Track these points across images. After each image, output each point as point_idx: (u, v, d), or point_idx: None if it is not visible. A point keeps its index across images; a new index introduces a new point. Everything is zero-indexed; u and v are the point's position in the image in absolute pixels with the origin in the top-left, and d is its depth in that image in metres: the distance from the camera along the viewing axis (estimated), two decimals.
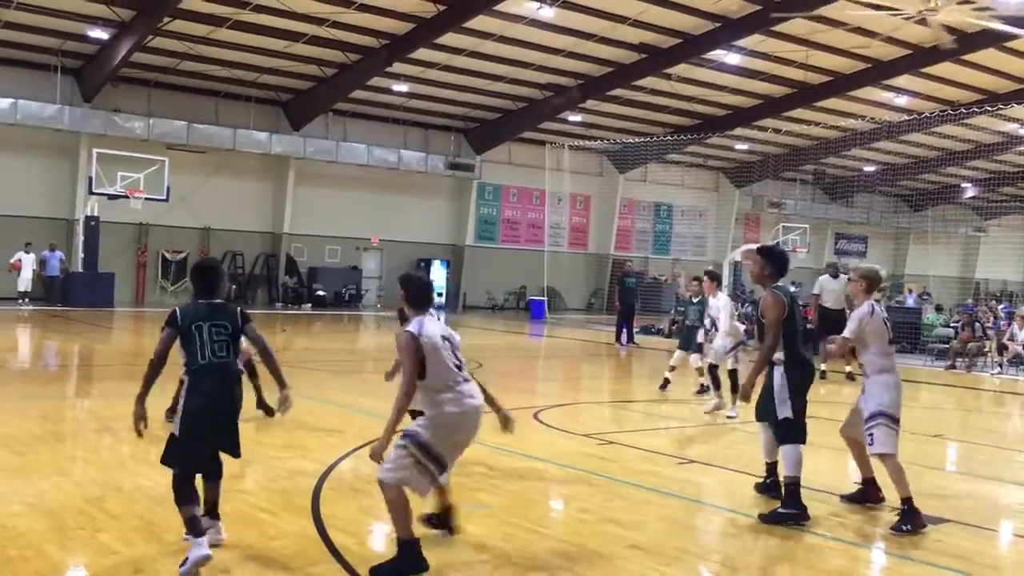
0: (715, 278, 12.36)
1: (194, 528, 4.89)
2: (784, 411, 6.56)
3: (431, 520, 5.76)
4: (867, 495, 7.06)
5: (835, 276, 16.55)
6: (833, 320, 14.52)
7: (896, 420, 6.59)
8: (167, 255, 29.00)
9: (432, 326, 5.28)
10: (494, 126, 33.00)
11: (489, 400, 5.44)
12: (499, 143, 33.85)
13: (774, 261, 6.92)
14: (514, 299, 35.78)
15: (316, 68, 27.05)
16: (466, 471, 7.69)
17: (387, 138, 31.95)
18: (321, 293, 30.70)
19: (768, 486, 7.13)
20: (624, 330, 21.94)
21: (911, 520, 6.32)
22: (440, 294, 33.89)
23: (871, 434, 6.57)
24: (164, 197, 25.26)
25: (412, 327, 5.21)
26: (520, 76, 28.06)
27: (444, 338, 5.32)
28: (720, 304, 11.75)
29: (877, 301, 6.93)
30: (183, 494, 5.00)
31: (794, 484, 6.46)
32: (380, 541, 5.87)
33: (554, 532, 6.12)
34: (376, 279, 33.27)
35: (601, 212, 38.25)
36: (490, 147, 33.84)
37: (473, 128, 33.52)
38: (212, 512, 5.33)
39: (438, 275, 33.99)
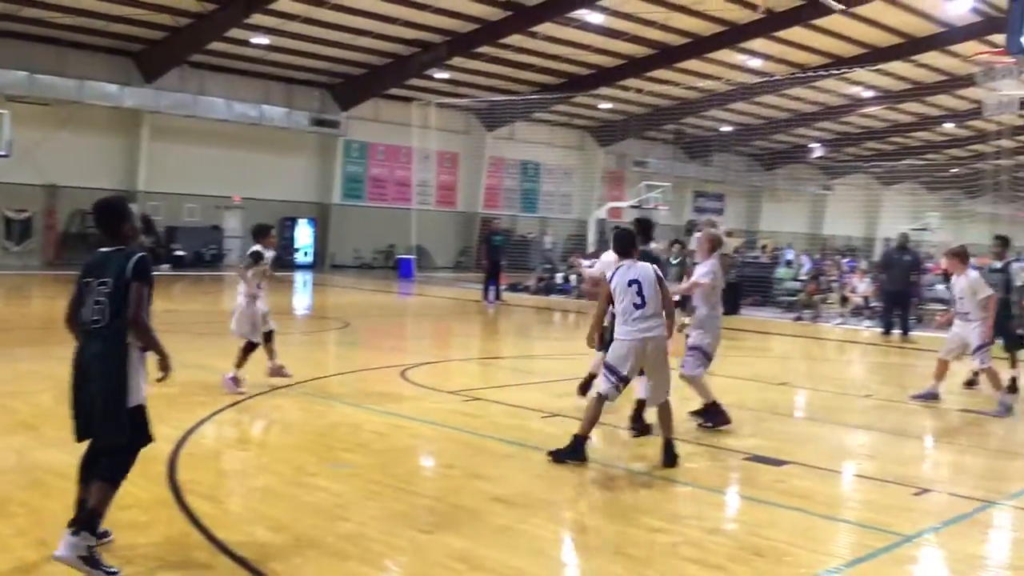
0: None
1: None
2: None
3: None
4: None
5: None
6: None
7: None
8: (9, 214, 27.36)
9: (620, 273, 6.88)
10: (360, 82, 32.39)
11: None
12: (365, 99, 33.29)
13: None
14: (382, 258, 35.50)
15: (169, 17, 25.84)
16: (332, 432, 7.70)
17: (248, 92, 30.92)
18: (180, 253, 29.64)
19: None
20: (492, 288, 22.15)
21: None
22: (306, 253, 33.31)
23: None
24: (4, 152, 23.75)
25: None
26: (386, 31, 27.60)
27: (631, 281, 6.80)
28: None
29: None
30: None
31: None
32: (241, 503, 5.83)
33: (419, 488, 6.21)
34: (238, 238, 32.32)
35: (469, 170, 38.26)
36: (356, 103, 33.24)
37: (338, 84, 32.82)
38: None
39: (304, 234, 33.35)
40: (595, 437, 8.21)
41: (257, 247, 9.55)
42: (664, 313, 6.87)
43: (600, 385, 7.08)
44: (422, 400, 9.32)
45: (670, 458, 6.83)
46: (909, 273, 17.66)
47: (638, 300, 6.76)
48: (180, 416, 7.70)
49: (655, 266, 7.12)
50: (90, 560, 4.30)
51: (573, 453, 6.78)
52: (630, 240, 7.19)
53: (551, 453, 6.84)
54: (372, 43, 28.71)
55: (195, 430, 7.35)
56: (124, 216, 4.72)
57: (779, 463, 7.06)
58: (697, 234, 17.95)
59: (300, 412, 8.55)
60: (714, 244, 8.46)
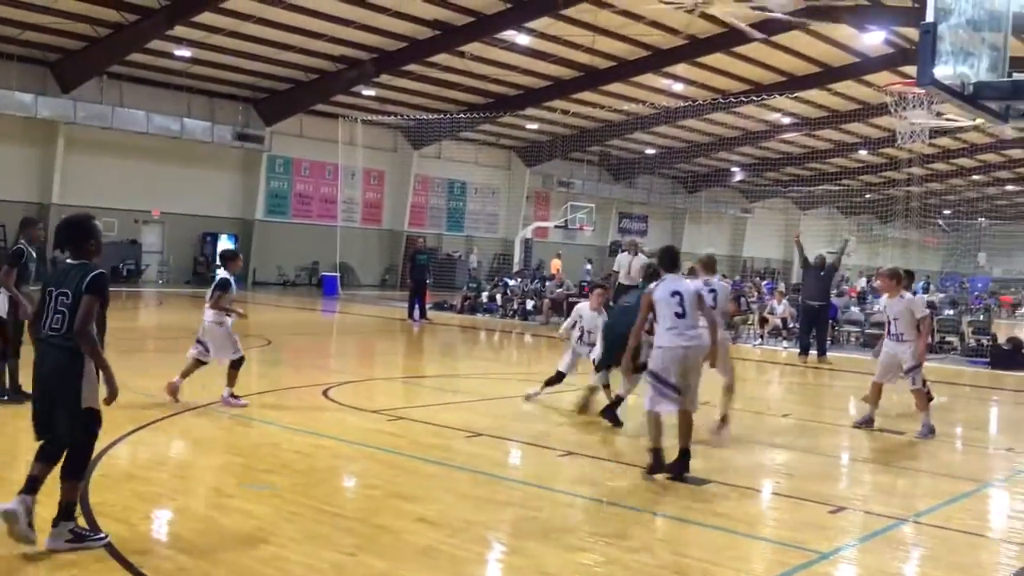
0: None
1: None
2: None
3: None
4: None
5: (634, 255, 17.39)
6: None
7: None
8: None
9: (663, 286, 7.32)
10: (285, 97, 32.03)
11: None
12: (290, 115, 32.91)
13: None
14: (306, 275, 35.06)
15: (88, 27, 25.19)
16: (252, 452, 7.53)
17: (169, 105, 30.29)
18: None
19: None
20: (417, 306, 22.05)
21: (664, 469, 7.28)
22: None
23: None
24: None
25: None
26: (311, 47, 27.37)
27: (673, 293, 7.22)
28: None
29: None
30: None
31: None
32: (155, 527, 5.65)
33: (341, 509, 6.11)
34: (157, 254, 31.60)
35: (395, 188, 38.09)
36: (281, 119, 32.84)
37: (263, 98, 32.40)
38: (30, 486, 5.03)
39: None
40: (525, 457, 8.23)
41: (224, 274, 9.58)
42: (708, 325, 7.41)
43: (648, 398, 7.32)
44: (345, 419, 9.20)
45: (682, 467, 7.16)
46: (827, 292, 18.17)
47: (679, 311, 7.19)
48: None
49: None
50: (77, 538, 4.94)
51: (660, 467, 7.17)
52: (675, 256, 7.69)
53: (664, 471, 7.15)
54: (297, 58, 28.44)
55: (108, 451, 7.11)
56: (89, 233, 5.14)
57: (700, 482, 7.15)
58: (621, 254, 18.27)
59: (219, 432, 8.35)
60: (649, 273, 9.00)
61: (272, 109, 32.49)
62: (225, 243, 32.47)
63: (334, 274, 31.14)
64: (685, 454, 7.26)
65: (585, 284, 24.52)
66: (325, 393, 10.54)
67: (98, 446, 7.05)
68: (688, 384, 7.31)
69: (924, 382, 9.87)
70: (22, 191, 27.88)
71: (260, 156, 33.14)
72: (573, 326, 10.67)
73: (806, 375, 15.98)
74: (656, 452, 7.25)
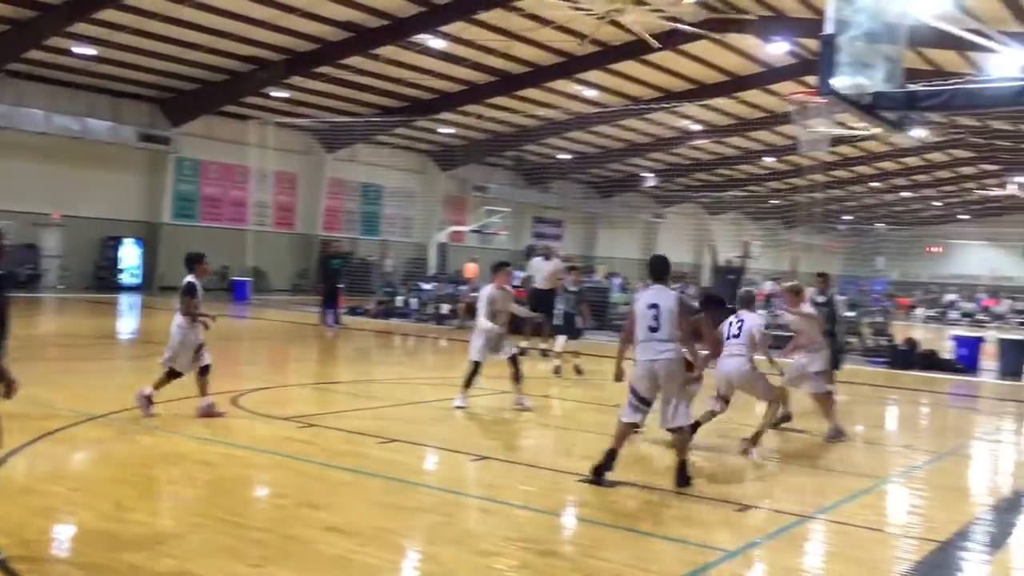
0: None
1: None
2: None
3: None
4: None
5: (547, 259, 17.12)
6: (543, 299, 15.45)
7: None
8: None
9: (643, 297, 7.41)
10: (192, 98, 31.23)
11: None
12: (198, 116, 32.09)
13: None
14: (216, 280, 34.24)
15: None
16: (156, 463, 7.32)
17: (70, 105, 29.21)
18: None
19: None
20: (330, 311, 21.78)
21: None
22: (133, 274, 31.73)
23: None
24: None
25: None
26: (220, 46, 26.76)
27: (651, 305, 7.19)
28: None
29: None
30: None
31: None
32: (52, 542, 5.44)
33: (249, 520, 5.98)
34: (58, 258, 30.44)
35: (308, 191, 37.53)
36: (188, 120, 31.99)
37: (169, 99, 31.53)
38: None
39: (130, 254, 31.75)
40: (438, 462, 8.20)
41: (191, 278, 9.39)
42: (680, 340, 7.26)
43: (622, 409, 7.35)
44: (255, 427, 9.03)
45: (682, 480, 7.22)
46: (733, 295, 18.59)
47: (654, 324, 7.17)
48: None
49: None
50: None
51: (606, 468, 7.20)
52: (660, 266, 7.62)
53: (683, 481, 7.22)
54: (206, 58, 27.78)
55: (3, 463, 6.82)
56: None
57: (612, 484, 7.23)
58: (535, 259, 18.33)
59: (122, 443, 8.09)
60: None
61: (179, 110, 31.64)
62: (131, 247, 31.57)
63: (245, 279, 30.51)
64: (682, 466, 7.29)
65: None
66: (235, 401, 10.31)
67: None
68: (664, 397, 7.30)
69: (828, 389, 10.18)
70: None
71: (167, 158, 32.22)
72: (493, 314, 10.58)
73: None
74: (610, 453, 7.24)
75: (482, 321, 10.49)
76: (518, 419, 10.33)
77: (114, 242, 31.22)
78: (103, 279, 30.83)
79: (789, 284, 10.79)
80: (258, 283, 32.30)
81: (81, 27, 23.92)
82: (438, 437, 9.00)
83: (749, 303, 9.31)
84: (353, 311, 25.41)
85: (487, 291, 10.67)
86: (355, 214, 40.11)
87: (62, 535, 5.61)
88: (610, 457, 7.25)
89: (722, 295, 18.24)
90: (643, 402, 7.30)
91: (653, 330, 7.21)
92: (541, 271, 17.12)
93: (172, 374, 9.30)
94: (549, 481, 7.43)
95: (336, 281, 22.23)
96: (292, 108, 32.33)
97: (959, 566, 5.97)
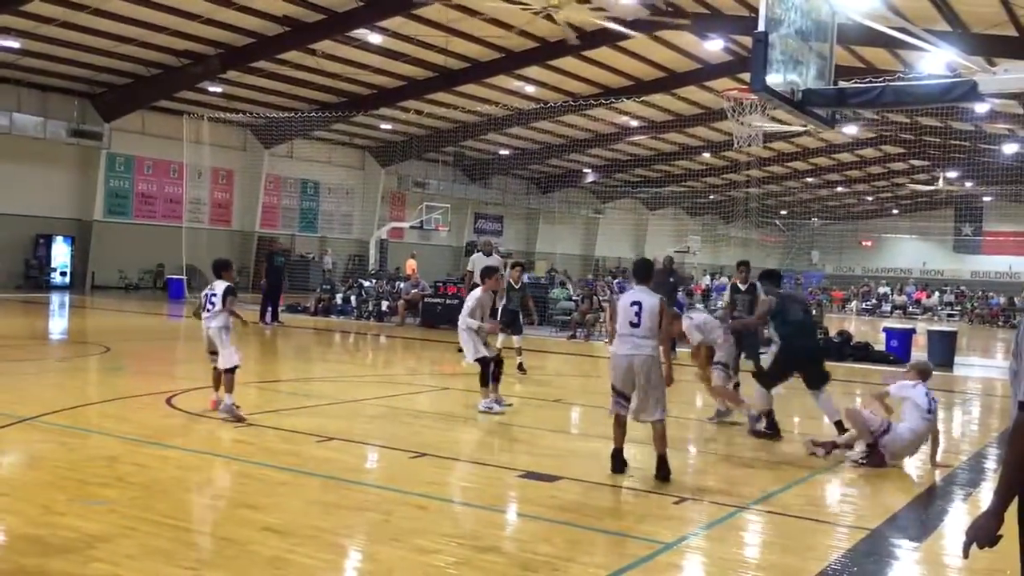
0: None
1: None
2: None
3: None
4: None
5: (488, 254, 17.07)
6: None
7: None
8: None
9: (627, 294, 7.65)
10: (125, 92, 30.52)
11: None
12: (131, 111, 31.38)
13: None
14: (150, 278, 33.57)
15: None
16: (86, 465, 7.15)
17: None
18: None
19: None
20: (269, 309, 21.51)
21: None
22: (63, 273, 30.93)
23: None
24: None
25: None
26: (153, 40, 26.19)
27: (633, 303, 7.46)
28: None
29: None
30: None
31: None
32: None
33: (183, 522, 5.88)
34: None
35: (245, 188, 36.99)
36: (121, 115, 31.26)
37: (101, 93, 30.78)
38: None
39: (61, 252, 30.94)
40: (377, 460, 8.15)
41: (228, 283, 9.73)
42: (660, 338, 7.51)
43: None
44: (190, 427, 8.87)
45: (663, 473, 7.39)
46: (673, 294, 18.77)
47: (635, 320, 7.40)
48: None
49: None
50: None
51: (618, 467, 7.57)
52: (644, 268, 8.00)
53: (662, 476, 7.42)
54: (138, 52, 27.17)
55: None
56: None
57: (552, 479, 7.26)
58: (476, 255, 18.32)
59: (50, 445, 7.88)
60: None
61: (111, 105, 30.90)
62: (61, 245, 30.78)
63: (180, 277, 29.96)
64: (661, 460, 7.46)
65: (440, 284, 24.49)
66: (169, 401, 10.12)
67: None
68: (638, 392, 7.48)
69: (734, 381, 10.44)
70: None
71: (98, 153, 31.46)
72: (481, 317, 10.58)
73: None
74: (615, 453, 7.62)
75: (471, 320, 10.47)
76: (458, 416, 10.32)
77: (44, 240, 30.43)
78: (33, 278, 30.02)
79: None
80: (193, 281, 31.71)
81: (7, 19, 23.24)
82: (377, 435, 8.96)
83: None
84: (292, 308, 25.13)
85: (478, 294, 10.71)
86: (293, 210, 39.65)
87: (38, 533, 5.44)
88: (616, 458, 7.59)
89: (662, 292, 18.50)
90: (621, 395, 7.54)
91: (634, 325, 7.42)
92: (480, 267, 17.04)
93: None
94: (489, 477, 7.44)
95: (279, 278, 21.99)
96: (228, 103, 31.80)
97: (890, 552, 6.12)
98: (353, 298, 25.78)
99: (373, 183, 41.32)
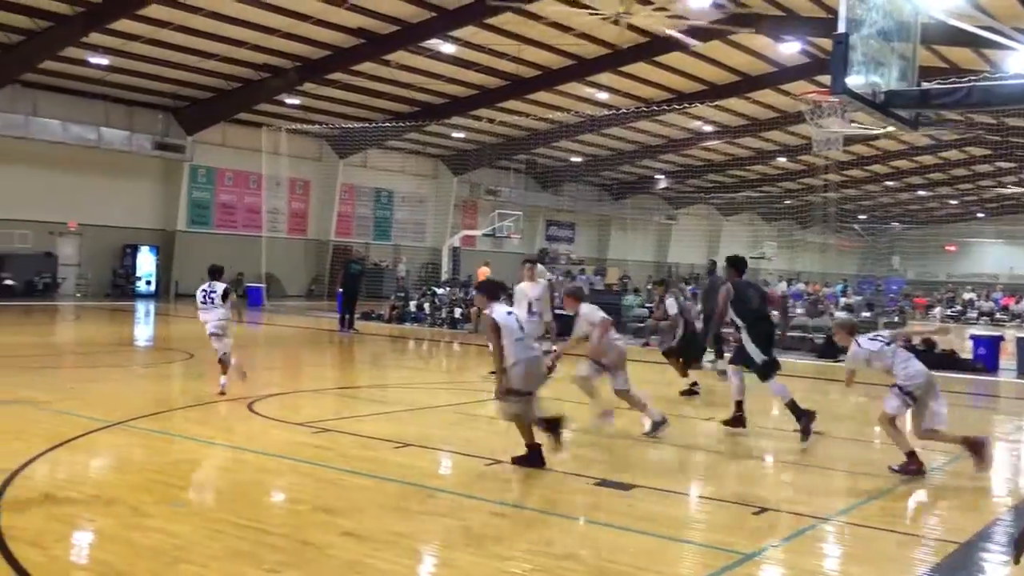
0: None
1: None
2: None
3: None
4: None
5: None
6: None
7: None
8: None
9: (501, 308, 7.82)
10: (207, 106, 31.43)
11: None
12: (213, 124, 32.31)
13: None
14: (231, 286, 34.38)
15: (0, 34, 24.37)
16: (172, 469, 7.35)
17: (86, 114, 29.46)
18: (9, 282, 27.83)
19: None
20: (345, 316, 21.83)
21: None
22: (148, 282, 31.92)
23: None
24: None
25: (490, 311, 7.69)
26: (234, 55, 26.93)
27: (509, 313, 7.77)
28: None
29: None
30: None
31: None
32: (70, 550, 5.47)
33: (265, 525, 5.99)
34: (75, 266, 30.67)
35: (321, 197, 37.68)
36: (203, 128, 32.21)
37: (184, 107, 31.73)
38: None
39: (146, 262, 31.94)
40: (453, 466, 8.20)
41: (225, 284, 11.84)
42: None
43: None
44: (270, 433, 9.05)
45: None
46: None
47: (521, 326, 7.80)
48: (5, 456, 7.19)
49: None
50: None
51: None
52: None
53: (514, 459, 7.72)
54: (219, 66, 27.95)
55: (21, 471, 6.88)
56: None
57: (627, 487, 7.21)
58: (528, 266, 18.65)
59: (138, 449, 8.13)
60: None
61: (194, 118, 31.85)
62: (147, 255, 31.76)
63: (259, 285, 30.63)
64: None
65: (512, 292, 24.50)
66: (250, 406, 10.35)
67: (11, 467, 6.85)
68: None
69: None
70: None
71: (182, 166, 32.45)
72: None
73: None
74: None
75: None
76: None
77: (130, 250, 31.44)
78: (120, 287, 31.03)
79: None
80: (272, 289, 32.42)
81: (96, 37, 24.13)
82: (452, 441, 9.01)
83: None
84: (366, 316, 25.47)
85: (526, 288, 12.07)
86: (368, 219, 40.22)
87: (81, 542, 5.64)
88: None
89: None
90: (523, 396, 7.65)
91: (521, 328, 7.79)
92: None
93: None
94: (564, 485, 7.42)
95: (356, 286, 22.24)
96: (305, 115, 32.47)
97: (979, 567, 5.92)
98: (427, 305, 26.01)
99: (446, 191, 41.69)
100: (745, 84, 30.20)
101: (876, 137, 32.73)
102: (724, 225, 53.69)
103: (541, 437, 7.74)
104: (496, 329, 7.50)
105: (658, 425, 9.38)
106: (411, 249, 40.67)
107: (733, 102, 31.76)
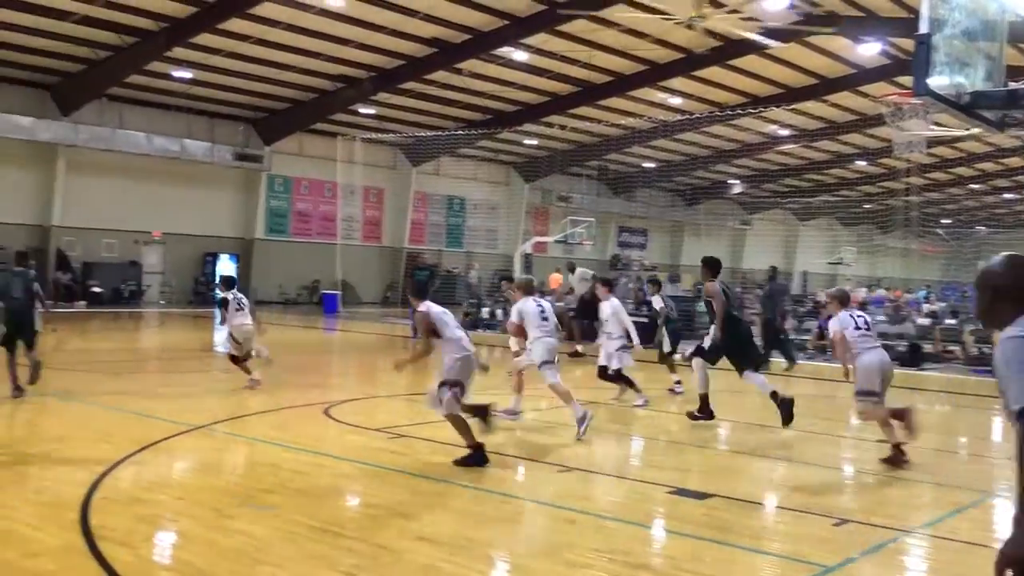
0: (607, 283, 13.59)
1: None
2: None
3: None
4: None
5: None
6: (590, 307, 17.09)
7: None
8: None
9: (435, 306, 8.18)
10: (284, 117, 32.15)
11: None
12: (289, 134, 33.03)
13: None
14: (307, 293, 35.06)
15: (88, 50, 25.31)
16: (252, 472, 7.51)
17: (169, 126, 30.39)
18: (97, 290, 28.83)
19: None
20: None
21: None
22: None
23: None
24: None
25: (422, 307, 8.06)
26: (310, 66, 27.48)
27: (444, 312, 8.18)
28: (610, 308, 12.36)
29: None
30: None
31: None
32: (158, 550, 5.64)
33: (341, 529, 6.08)
34: (159, 274, 31.62)
35: (394, 205, 38.16)
36: (280, 138, 32.95)
37: (262, 118, 32.50)
38: None
39: (227, 269, 32.73)
40: (526, 473, 8.20)
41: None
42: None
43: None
44: (346, 438, 9.18)
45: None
46: (772, 302, 18.30)
47: (457, 323, 8.39)
48: (93, 458, 7.44)
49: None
50: None
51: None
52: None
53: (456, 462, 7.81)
54: (296, 78, 28.55)
55: (109, 472, 7.11)
56: None
57: (703, 496, 7.12)
58: (579, 271, 19.14)
59: (219, 452, 8.34)
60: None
61: (271, 128, 32.59)
62: (226, 262, 32.57)
63: (335, 292, 31.14)
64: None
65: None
66: (326, 412, 10.52)
67: (101, 469, 7.09)
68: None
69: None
70: (23, 214, 27.96)
71: (260, 175, 33.23)
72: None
73: (801, 385, 15.92)
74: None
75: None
76: (604, 430, 10.28)
77: (210, 258, 32.27)
78: (201, 293, 31.86)
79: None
80: (347, 296, 32.92)
81: (179, 52, 24.85)
82: (525, 448, 9.02)
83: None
84: None
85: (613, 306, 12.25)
86: (440, 226, 40.56)
87: (166, 542, 5.80)
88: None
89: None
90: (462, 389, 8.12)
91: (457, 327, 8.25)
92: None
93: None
94: (638, 492, 7.36)
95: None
96: (379, 124, 32.93)
97: None
98: (499, 312, 26.08)
99: (517, 198, 41.82)
100: (822, 87, 29.65)
101: (960, 139, 31.78)
102: (800, 230, 52.69)
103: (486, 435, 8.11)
104: (430, 325, 7.99)
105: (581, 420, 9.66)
106: (483, 256, 40.89)
107: (810, 105, 31.19)
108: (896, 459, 8.49)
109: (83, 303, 27.92)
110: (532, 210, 42.69)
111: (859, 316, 9.11)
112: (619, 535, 6.18)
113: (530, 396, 11.21)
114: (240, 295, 12.66)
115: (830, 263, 46.70)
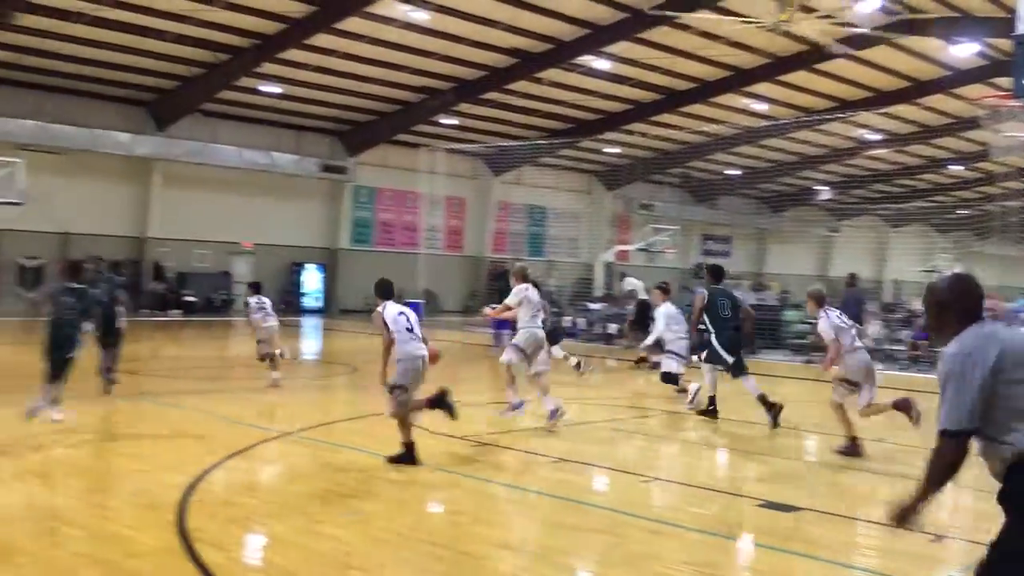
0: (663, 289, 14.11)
1: None
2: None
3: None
4: None
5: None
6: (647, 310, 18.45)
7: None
8: (22, 262, 27.50)
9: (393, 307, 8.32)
10: (368, 128, 32.73)
11: None
12: (373, 145, 33.59)
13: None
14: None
15: (183, 67, 26.22)
16: (340, 478, 7.66)
17: (258, 139, 31.24)
18: (191, 299, 29.78)
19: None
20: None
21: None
22: (315, 298, 33.42)
23: None
24: (18, 200, 23.96)
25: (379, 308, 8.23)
26: (393, 79, 27.93)
27: (400, 313, 8.29)
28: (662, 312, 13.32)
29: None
30: None
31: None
32: (250, 552, 5.79)
33: (427, 535, 6.16)
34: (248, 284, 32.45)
35: (476, 214, 38.43)
36: (364, 149, 33.55)
37: (347, 130, 33.16)
38: None
39: (313, 279, 33.47)
40: (609, 482, 8.16)
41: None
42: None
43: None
44: (430, 445, 9.27)
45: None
46: (853, 309, 17.82)
47: (409, 326, 8.28)
48: (189, 462, 7.69)
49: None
50: None
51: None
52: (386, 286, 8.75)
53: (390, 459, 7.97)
54: (380, 90, 29.05)
55: (204, 477, 7.33)
56: None
57: (792, 509, 6.98)
58: (630, 277, 19.12)
59: (308, 458, 8.52)
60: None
61: (356, 140, 33.21)
62: (313, 272, 33.28)
63: (418, 301, 31.49)
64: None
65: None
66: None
67: (195, 472, 7.32)
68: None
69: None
70: (120, 226, 29.05)
71: (344, 186, 33.87)
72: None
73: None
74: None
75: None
76: (689, 440, 10.17)
77: (298, 268, 33.00)
78: (289, 303, 32.61)
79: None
80: (430, 305, 33.25)
81: (267, 67, 25.54)
82: (608, 457, 8.98)
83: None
84: None
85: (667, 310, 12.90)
86: (521, 235, 40.68)
87: (258, 544, 5.95)
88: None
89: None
90: (406, 391, 8.27)
91: (410, 331, 8.22)
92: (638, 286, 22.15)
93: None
94: (724, 504, 7.26)
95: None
96: (461, 134, 33.24)
97: None
98: (581, 321, 26.04)
99: (599, 206, 41.67)
100: (914, 89, 28.83)
101: None
102: (891, 237, 51.22)
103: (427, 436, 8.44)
104: (383, 323, 8.14)
105: (515, 407, 10.57)
106: (564, 264, 40.85)
107: (901, 108, 30.32)
108: (852, 449, 9.09)
109: (177, 312, 28.88)
110: (614, 218, 42.48)
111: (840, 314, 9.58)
112: (705, 547, 6.11)
113: (588, 401, 11.17)
114: (264, 299, 13.69)
115: (924, 270, 45.26)
